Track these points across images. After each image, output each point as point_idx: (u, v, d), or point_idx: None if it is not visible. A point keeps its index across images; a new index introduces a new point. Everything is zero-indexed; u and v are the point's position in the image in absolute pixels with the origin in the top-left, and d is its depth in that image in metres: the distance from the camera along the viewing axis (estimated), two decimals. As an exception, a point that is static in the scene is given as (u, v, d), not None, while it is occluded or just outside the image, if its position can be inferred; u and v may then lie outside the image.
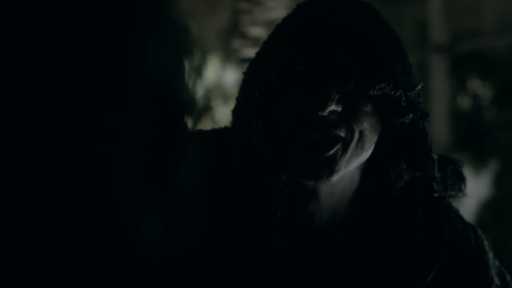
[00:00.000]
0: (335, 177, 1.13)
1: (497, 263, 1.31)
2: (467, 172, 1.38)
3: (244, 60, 4.91)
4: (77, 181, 0.65)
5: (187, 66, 0.74)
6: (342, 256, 1.21)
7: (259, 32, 5.07)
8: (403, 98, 1.13)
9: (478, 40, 6.07)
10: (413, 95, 1.16)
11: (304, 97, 1.11)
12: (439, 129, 5.71)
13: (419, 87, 1.19)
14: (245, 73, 1.24)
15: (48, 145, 0.64)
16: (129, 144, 0.68)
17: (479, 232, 1.32)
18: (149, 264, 0.70)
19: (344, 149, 1.12)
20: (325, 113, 1.09)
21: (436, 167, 1.22)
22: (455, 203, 1.36)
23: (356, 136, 1.12)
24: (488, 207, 5.01)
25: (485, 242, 1.31)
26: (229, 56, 5.57)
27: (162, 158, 0.71)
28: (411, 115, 1.16)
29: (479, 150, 5.39)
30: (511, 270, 1.37)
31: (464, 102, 6.37)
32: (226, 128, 1.30)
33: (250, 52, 3.73)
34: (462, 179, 1.34)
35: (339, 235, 1.22)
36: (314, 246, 1.20)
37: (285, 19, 1.22)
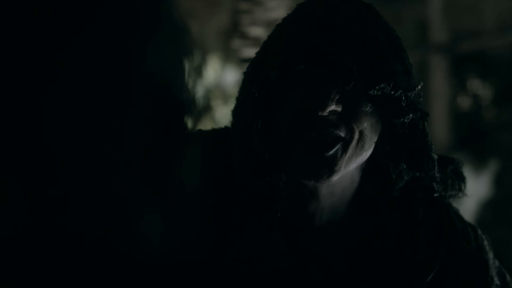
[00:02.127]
0: (335, 177, 1.13)
1: (497, 263, 1.32)
2: (467, 172, 1.38)
3: (244, 60, 4.92)
4: (77, 181, 0.65)
5: (187, 66, 0.74)
6: (342, 256, 1.21)
7: (259, 32, 5.07)
8: (403, 98, 1.13)
9: (478, 40, 6.08)
10: (413, 95, 1.16)
11: (304, 97, 1.11)
12: (439, 129, 5.71)
13: (419, 87, 1.19)
14: (245, 73, 1.24)
15: (48, 145, 0.64)
16: (129, 144, 0.68)
17: (479, 232, 1.32)
18: (149, 264, 0.70)
19: (344, 149, 1.12)
20: (325, 113, 1.09)
21: (436, 167, 1.22)
22: (455, 203, 1.36)
23: (356, 136, 1.12)
24: (488, 207, 5.01)
25: (485, 242, 1.31)
26: (229, 56, 5.57)
27: (162, 158, 0.71)
28: (411, 115, 1.16)
29: (479, 150, 5.40)
30: (511, 270, 1.37)
31: (464, 102, 6.37)
32: (226, 128, 1.30)
33: (250, 52, 3.73)
34: (462, 179, 1.34)
35: (339, 235, 1.22)
36: (314, 246, 1.20)
37: (285, 19, 1.22)
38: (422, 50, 5.97)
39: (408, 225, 1.24)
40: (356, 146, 1.13)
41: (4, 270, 0.65)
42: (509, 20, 5.86)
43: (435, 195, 1.28)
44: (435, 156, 1.22)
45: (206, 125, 1.22)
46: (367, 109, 1.13)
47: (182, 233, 0.75)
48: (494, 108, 6.19)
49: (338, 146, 1.12)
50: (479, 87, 6.30)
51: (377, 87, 1.11)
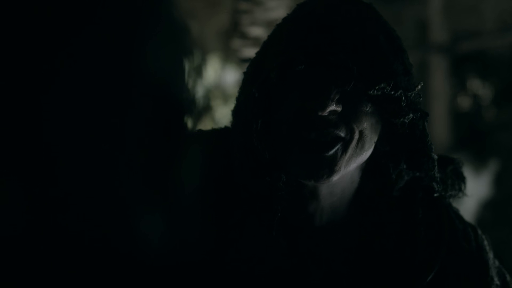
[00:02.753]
0: (335, 177, 1.13)
1: (497, 263, 1.32)
2: (467, 172, 1.38)
3: (244, 60, 4.92)
4: (77, 181, 0.65)
5: (187, 66, 0.74)
6: (342, 256, 1.21)
7: (259, 32, 5.07)
8: (403, 98, 1.13)
9: (478, 40, 6.08)
10: (413, 95, 1.16)
11: (304, 97, 1.11)
12: (439, 129, 5.71)
13: (419, 87, 1.19)
14: (245, 73, 1.24)
15: (48, 145, 0.64)
16: (129, 144, 0.68)
17: (479, 232, 1.32)
18: (149, 264, 0.70)
19: (344, 149, 1.12)
20: (325, 113, 1.09)
21: (436, 167, 1.22)
22: (455, 203, 1.36)
23: (356, 136, 1.12)
24: (488, 207, 5.01)
25: (485, 242, 1.31)
26: (229, 56, 5.57)
27: (162, 158, 0.71)
28: (411, 115, 1.16)
29: (479, 150, 5.40)
30: (511, 270, 1.37)
31: (464, 102, 6.37)
32: (226, 128, 1.30)
33: (250, 52, 3.73)
34: (462, 179, 1.34)
35: (339, 235, 1.22)
36: (314, 246, 1.21)
37: (285, 19, 1.22)
38: (422, 50, 5.97)
39: (408, 225, 1.24)
40: (356, 146, 1.13)
41: (4, 270, 0.65)
42: (509, 20, 5.86)
43: (435, 195, 1.28)
44: (435, 156, 1.22)
45: (206, 125, 1.22)
46: (367, 109, 1.13)
47: (182, 233, 0.75)
48: (494, 108, 6.19)
49: (338, 146, 1.12)
50: (479, 87, 6.31)
51: (377, 87, 1.11)
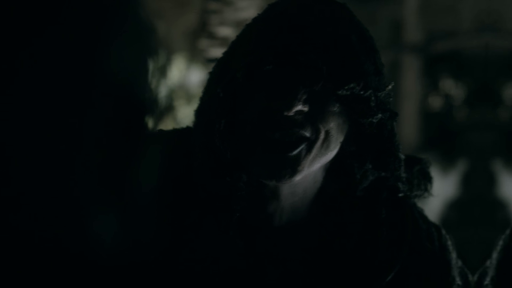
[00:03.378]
0: (298, 177, 1.13)
1: (459, 263, 1.32)
2: (434, 172, 1.39)
3: (210, 60, 4.89)
4: (31, 181, 0.64)
5: (151, 66, 0.74)
6: (300, 256, 1.20)
7: (228, 32, 5.05)
8: (373, 98, 1.13)
9: (454, 40, 6.11)
10: (383, 95, 1.16)
11: (271, 97, 1.11)
12: (409, 129, 5.75)
13: (390, 87, 1.19)
14: (210, 73, 1.23)
15: (2, 144, 0.63)
16: (86, 144, 0.67)
17: (443, 232, 1.32)
18: (101, 264, 0.70)
19: (309, 149, 1.12)
20: (291, 113, 1.09)
21: (402, 167, 1.22)
22: (421, 203, 1.36)
23: (322, 136, 1.12)
24: (454, 207, 5.05)
25: (449, 242, 1.31)
26: (195, 56, 5.54)
27: (120, 158, 0.71)
28: (379, 115, 1.16)
29: (448, 150, 5.43)
30: (475, 270, 1.38)
31: (435, 102, 6.41)
32: (187, 128, 1.29)
33: (217, 52, 3.72)
34: (428, 179, 1.34)
35: (299, 235, 1.21)
36: (272, 246, 1.20)
37: (256, 19, 1.22)
38: (395, 50, 5.99)
39: (370, 225, 1.24)
40: (321, 146, 1.13)
41: None
42: (487, 20, 5.89)
43: (400, 195, 1.28)
44: (402, 156, 1.22)
45: (168, 125, 1.21)
46: (335, 109, 1.13)
47: (136, 233, 0.75)
48: (466, 108, 6.23)
49: (303, 146, 1.11)
50: (451, 87, 6.35)
51: (346, 87, 1.11)
